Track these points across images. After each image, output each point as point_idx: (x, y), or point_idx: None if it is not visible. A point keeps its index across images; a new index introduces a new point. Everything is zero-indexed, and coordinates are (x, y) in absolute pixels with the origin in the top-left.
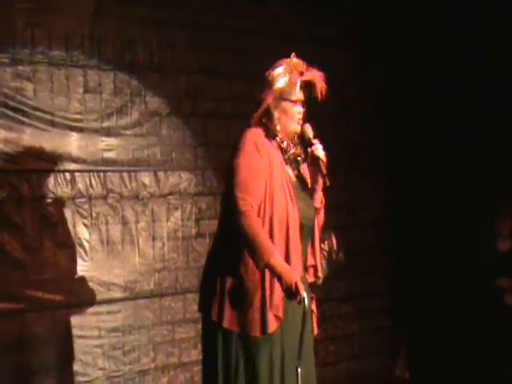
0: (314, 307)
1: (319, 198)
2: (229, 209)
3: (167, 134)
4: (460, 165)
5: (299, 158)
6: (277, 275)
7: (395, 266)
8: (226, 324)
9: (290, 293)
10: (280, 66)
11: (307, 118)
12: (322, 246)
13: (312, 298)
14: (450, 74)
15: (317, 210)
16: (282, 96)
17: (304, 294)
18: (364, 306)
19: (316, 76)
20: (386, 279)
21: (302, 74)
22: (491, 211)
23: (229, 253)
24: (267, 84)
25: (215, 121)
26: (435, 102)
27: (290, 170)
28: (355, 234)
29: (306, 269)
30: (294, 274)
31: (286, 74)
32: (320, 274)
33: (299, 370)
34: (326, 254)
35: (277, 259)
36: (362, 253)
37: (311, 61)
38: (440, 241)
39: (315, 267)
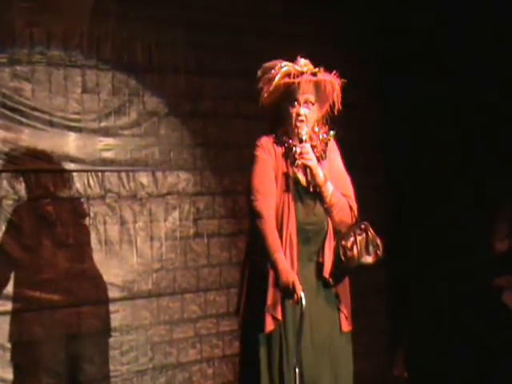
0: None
1: (325, 198)
2: (248, 213)
3: (165, 134)
4: (458, 164)
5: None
6: (276, 273)
7: (393, 266)
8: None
9: (288, 292)
10: (274, 67)
11: None
12: (343, 242)
13: (338, 296)
14: (450, 74)
15: (327, 209)
16: (285, 97)
17: (301, 294)
18: (362, 306)
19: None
20: (384, 279)
21: (302, 74)
22: (489, 211)
23: (248, 259)
24: (261, 86)
25: (214, 121)
26: (434, 101)
27: (300, 175)
28: None
29: (318, 268)
30: (291, 273)
31: (277, 76)
32: (325, 274)
33: (297, 370)
34: (344, 250)
35: (278, 257)
36: None
37: (311, 60)
38: (439, 241)
39: (322, 265)
